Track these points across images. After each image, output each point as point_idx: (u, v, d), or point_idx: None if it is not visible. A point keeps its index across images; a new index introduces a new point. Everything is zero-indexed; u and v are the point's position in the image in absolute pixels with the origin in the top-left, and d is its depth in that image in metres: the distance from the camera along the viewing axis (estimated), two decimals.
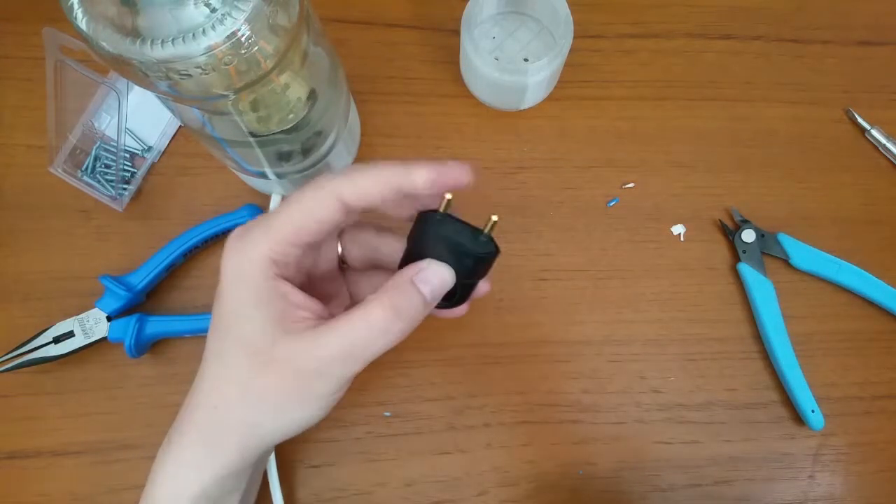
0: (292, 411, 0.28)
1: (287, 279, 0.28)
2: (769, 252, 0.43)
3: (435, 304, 0.29)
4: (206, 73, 0.25)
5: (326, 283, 0.33)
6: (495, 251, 0.29)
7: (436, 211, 0.29)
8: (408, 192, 0.28)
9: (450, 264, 0.29)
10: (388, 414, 0.40)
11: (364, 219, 0.32)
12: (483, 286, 0.32)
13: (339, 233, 0.33)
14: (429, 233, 0.29)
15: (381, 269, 0.34)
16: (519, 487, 0.40)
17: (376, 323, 0.27)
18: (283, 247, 0.27)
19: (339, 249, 0.33)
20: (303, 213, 0.27)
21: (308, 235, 0.28)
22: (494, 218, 0.29)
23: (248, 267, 0.27)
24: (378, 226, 0.34)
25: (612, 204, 0.44)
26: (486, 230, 0.29)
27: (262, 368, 0.27)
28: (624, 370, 0.41)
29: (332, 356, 0.27)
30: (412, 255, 0.29)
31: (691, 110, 0.45)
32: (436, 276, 0.28)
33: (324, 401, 0.29)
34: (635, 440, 0.40)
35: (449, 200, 0.28)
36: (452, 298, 0.30)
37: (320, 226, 0.28)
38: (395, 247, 0.32)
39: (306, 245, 0.28)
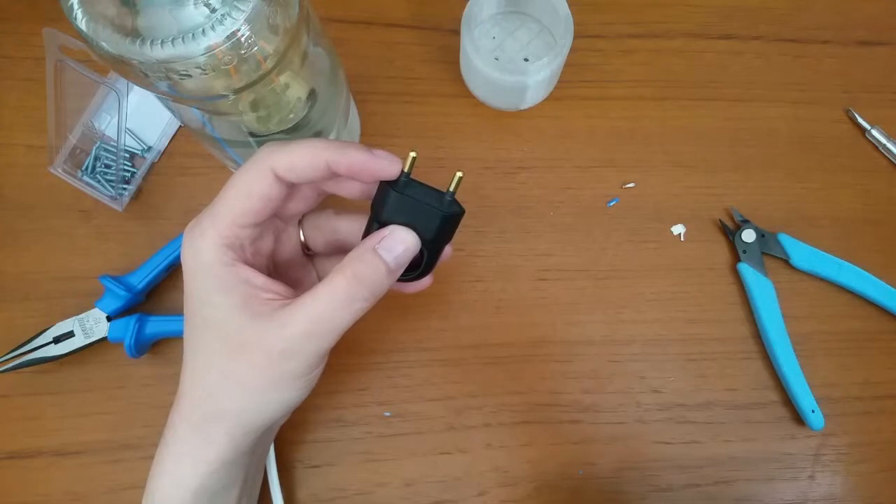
0: (271, 393, 0.28)
1: (248, 264, 0.28)
2: (769, 252, 0.43)
3: (400, 270, 0.28)
4: (206, 73, 0.25)
5: (294, 270, 0.34)
6: (461, 211, 0.29)
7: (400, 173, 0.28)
8: (338, 169, 0.27)
9: (415, 229, 0.28)
10: (388, 414, 0.40)
11: (324, 203, 0.32)
12: (447, 250, 0.31)
13: (300, 220, 0.33)
14: (392, 197, 0.28)
15: (347, 251, 0.34)
16: (519, 487, 0.40)
17: (339, 294, 0.27)
18: (232, 230, 0.28)
19: (301, 236, 0.33)
20: (241, 192, 0.28)
21: (252, 214, 0.28)
22: (459, 174, 0.28)
23: (204, 257, 0.27)
24: (337, 208, 0.33)
25: (612, 204, 0.44)
26: (451, 188, 0.28)
27: (234, 354, 0.27)
28: (624, 370, 0.41)
29: (299, 333, 0.27)
30: (376, 223, 0.29)
31: (691, 110, 0.45)
32: (400, 242, 0.28)
33: (301, 381, 0.28)
34: (635, 440, 0.40)
35: (413, 158, 0.28)
36: (419, 267, 0.30)
37: (261, 202, 0.28)
38: (355, 227, 0.32)
39: (253, 224, 0.28)
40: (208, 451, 0.29)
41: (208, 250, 0.27)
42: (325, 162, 0.27)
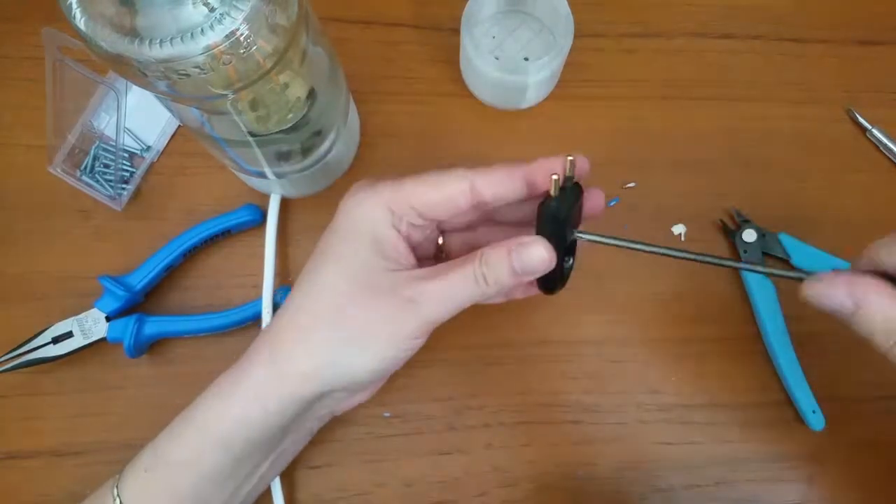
0: (374, 345, 0.29)
1: None
2: (770, 252, 0.43)
3: (526, 277, 0.29)
4: (205, 73, 0.25)
5: (422, 265, 0.35)
6: (579, 191, 0.30)
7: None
8: (535, 182, 0.29)
9: (553, 238, 0.29)
10: (388, 414, 0.40)
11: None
12: (598, 198, 0.33)
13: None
14: (543, 210, 0.29)
15: None
16: (519, 488, 0.39)
17: (468, 270, 0.29)
18: (405, 206, 0.29)
19: (440, 240, 0.35)
20: (434, 184, 0.29)
21: (430, 205, 0.29)
22: (570, 158, 0.28)
23: (368, 209, 0.29)
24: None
25: (612, 204, 0.44)
26: (553, 192, 0.29)
27: (359, 295, 0.29)
28: (624, 370, 0.41)
29: (430, 288, 0.29)
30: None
31: (691, 110, 0.45)
32: (532, 254, 0.29)
33: (404, 342, 0.30)
34: (636, 441, 0.40)
35: (555, 181, 0.28)
36: (554, 281, 0.32)
37: (446, 202, 0.29)
38: (499, 236, 0.33)
39: (422, 214, 0.30)
40: (280, 386, 0.30)
41: (378, 206, 0.29)
42: (525, 179, 0.29)
